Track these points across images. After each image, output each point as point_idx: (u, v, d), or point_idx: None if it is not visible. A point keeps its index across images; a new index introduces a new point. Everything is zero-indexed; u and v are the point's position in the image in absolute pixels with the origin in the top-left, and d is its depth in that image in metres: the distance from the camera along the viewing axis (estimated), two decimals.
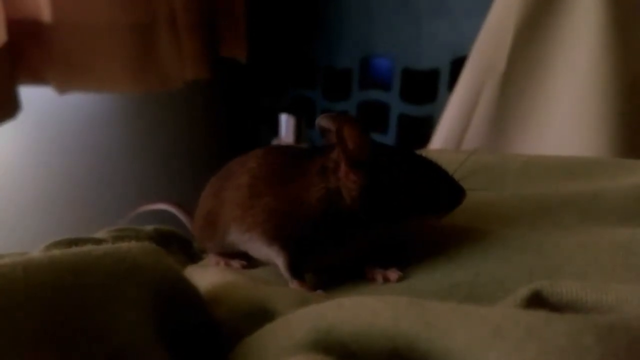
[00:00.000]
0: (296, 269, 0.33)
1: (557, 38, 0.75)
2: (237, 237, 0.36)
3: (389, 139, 1.12)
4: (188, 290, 0.24)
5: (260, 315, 0.24)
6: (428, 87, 1.04)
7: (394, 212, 0.32)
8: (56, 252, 0.21)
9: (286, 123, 1.05)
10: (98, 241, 0.40)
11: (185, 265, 0.43)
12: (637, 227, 0.33)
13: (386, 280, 0.31)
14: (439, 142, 0.86)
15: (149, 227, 0.48)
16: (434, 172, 0.33)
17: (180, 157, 1.21)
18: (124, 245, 0.23)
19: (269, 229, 0.33)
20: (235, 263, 0.39)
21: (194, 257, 0.48)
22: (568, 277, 0.28)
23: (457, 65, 0.89)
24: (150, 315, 0.21)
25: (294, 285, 0.33)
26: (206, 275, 0.33)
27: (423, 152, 0.34)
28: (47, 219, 1.01)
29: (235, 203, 0.35)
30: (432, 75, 1.03)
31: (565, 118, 0.74)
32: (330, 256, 0.34)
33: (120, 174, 1.12)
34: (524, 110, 0.79)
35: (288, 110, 1.06)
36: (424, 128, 1.02)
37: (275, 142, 1.06)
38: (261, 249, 0.35)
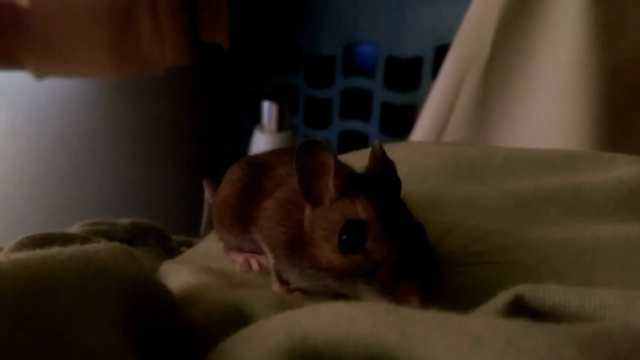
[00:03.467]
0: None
1: (540, 26, 0.75)
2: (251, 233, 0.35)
3: (372, 126, 1.12)
4: (160, 294, 0.23)
5: (236, 318, 0.23)
6: (411, 74, 1.04)
7: None
8: (21, 256, 0.20)
9: (268, 110, 1.03)
10: (69, 238, 0.39)
11: (162, 260, 0.42)
12: (617, 223, 0.32)
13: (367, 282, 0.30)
14: (422, 129, 0.85)
15: (125, 221, 0.47)
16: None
17: (160, 144, 1.19)
18: (93, 247, 0.22)
19: (266, 236, 0.33)
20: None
21: (171, 251, 0.47)
22: (550, 276, 0.28)
23: (441, 53, 0.89)
24: (119, 320, 0.21)
25: (275, 286, 0.32)
26: (182, 273, 0.33)
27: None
28: (23, 206, 0.99)
29: (261, 205, 0.35)
30: (415, 63, 1.03)
31: (548, 107, 0.74)
32: None
33: (99, 160, 1.11)
34: (506, 99, 0.79)
35: (271, 97, 1.05)
36: (407, 115, 1.02)
37: (257, 129, 1.05)
38: (263, 248, 0.34)
